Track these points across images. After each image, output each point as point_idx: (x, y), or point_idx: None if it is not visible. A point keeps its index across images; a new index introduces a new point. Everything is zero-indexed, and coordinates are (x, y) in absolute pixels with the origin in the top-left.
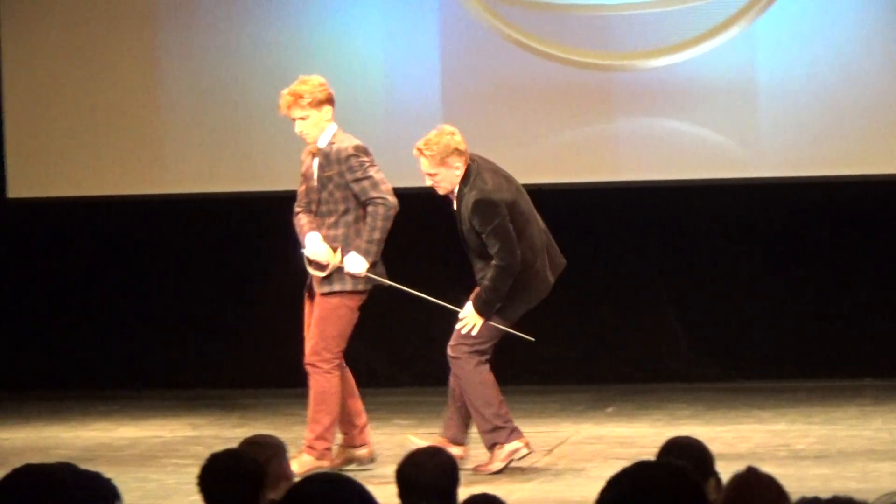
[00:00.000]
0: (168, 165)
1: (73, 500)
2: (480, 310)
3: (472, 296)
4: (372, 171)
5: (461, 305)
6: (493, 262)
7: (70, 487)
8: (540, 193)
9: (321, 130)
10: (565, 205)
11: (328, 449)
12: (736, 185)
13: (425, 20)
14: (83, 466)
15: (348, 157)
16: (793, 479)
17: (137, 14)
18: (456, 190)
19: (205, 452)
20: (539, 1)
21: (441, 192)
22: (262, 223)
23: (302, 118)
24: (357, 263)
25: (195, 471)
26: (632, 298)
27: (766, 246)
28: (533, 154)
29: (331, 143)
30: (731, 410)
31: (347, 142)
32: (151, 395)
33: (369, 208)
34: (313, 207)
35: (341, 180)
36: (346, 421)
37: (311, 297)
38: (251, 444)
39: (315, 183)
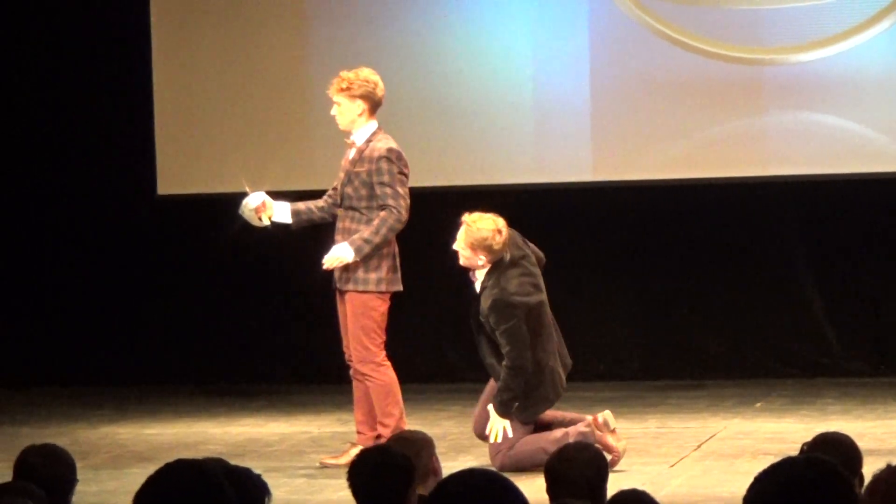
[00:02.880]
0: (316, 161)
1: (225, 496)
2: (500, 411)
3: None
4: (397, 183)
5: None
6: (504, 363)
7: (221, 483)
8: (688, 189)
9: (350, 122)
10: (714, 199)
11: None
12: (886, 179)
13: (575, 15)
14: (232, 462)
15: (380, 157)
16: None
17: (286, 12)
18: (480, 277)
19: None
20: None
21: (462, 262)
22: (423, 218)
23: (336, 103)
24: (344, 252)
25: (344, 466)
26: (781, 293)
27: None
28: (682, 149)
29: (368, 141)
30: (881, 406)
31: (384, 143)
32: (300, 391)
33: (382, 213)
34: (339, 200)
35: (368, 179)
36: (367, 423)
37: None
38: (399, 439)
39: (343, 175)
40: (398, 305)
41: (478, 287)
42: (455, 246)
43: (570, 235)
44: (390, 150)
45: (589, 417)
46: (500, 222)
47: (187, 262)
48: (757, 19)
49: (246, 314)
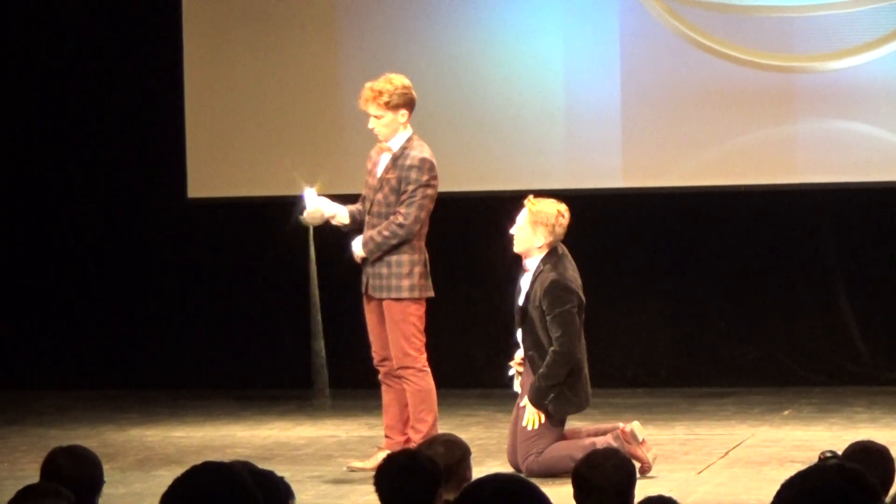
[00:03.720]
0: (346, 165)
1: (249, 498)
2: (535, 398)
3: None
4: (419, 194)
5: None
6: (552, 348)
7: (246, 485)
8: (718, 196)
9: (393, 132)
10: (744, 206)
11: None
12: None
13: (606, 23)
14: (260, 465)
15: (412, 167)
16: None
17: (317, 17)
18: (532, 266)
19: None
20: (720, 3)
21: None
22: (454, 223)
23: (377, 116)
24: (356, 246)
25: (372, 470)
26: (811, 300)
27: None
28: (712, 156)
29: (403, 148)
30: None
31: (419, 151)
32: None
33: (395, 218)
34: (367, 206)
35: (398, 186)
36: (396, 427)
37: (369, 298)
38: (445, 441)
39: (375, 182)
40: (427, 310)
41: (526, 278)
42: (513, 229)
43: (599, 241)
44: (423, 160)
45: (621, 424)
46: (563, 207)
47: (217, 266)
48: (789, 27)
49: (274, 318)
